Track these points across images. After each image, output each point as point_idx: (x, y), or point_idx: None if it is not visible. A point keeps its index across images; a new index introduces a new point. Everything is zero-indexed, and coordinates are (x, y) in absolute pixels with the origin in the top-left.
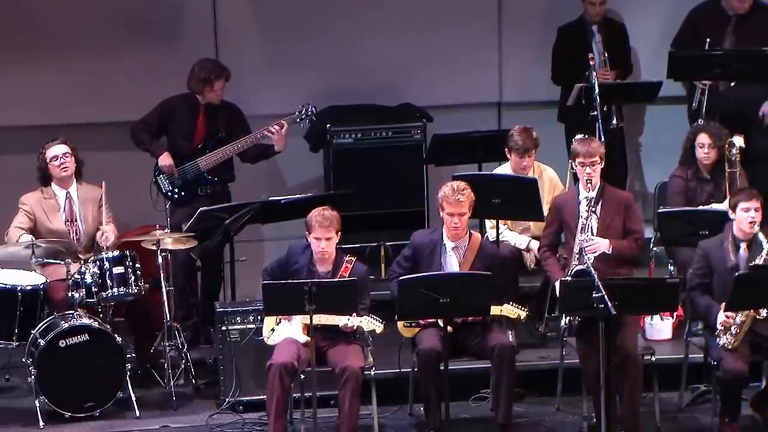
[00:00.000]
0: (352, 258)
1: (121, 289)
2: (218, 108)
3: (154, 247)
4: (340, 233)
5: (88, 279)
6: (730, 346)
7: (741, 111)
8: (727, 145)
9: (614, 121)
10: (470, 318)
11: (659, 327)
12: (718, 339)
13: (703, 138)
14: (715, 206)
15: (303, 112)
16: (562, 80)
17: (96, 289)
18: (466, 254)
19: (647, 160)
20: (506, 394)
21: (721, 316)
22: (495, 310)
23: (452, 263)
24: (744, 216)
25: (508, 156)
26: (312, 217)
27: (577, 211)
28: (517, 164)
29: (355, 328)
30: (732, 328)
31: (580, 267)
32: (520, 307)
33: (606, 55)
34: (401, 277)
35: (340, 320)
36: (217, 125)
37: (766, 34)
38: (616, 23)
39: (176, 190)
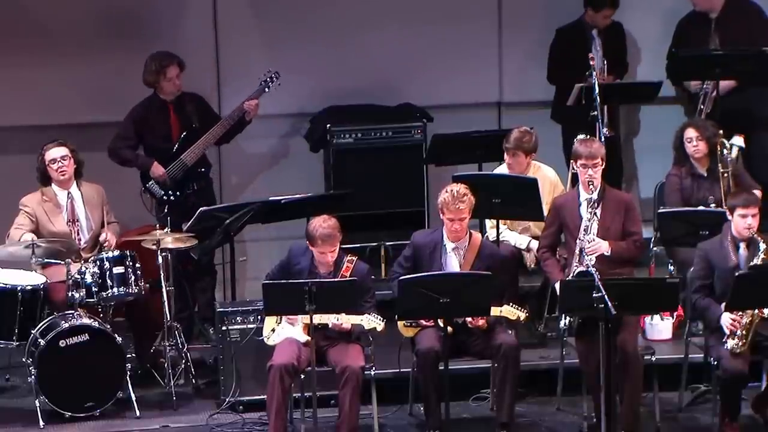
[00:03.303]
0: (353, 258)
1: (121, 288)
2: (184, 101)
3: (154, 247)
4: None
5: (89, 279)
6: (738, 350)
7: (741, 111)
8: (719, 146)
9: (604, 131)
10: (470, 320)
11: (659, 327)
12: (725, 344)
13: (690, 132)
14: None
15: (267, 80)
16: (556, 80)
17: (96, 289)
18: (467, 254)
19: (646, 161)
20: (510, 393)
21: (727, 320)
22: (495, 311)
23: (453, 263)
24: (741, 222)
25: None
26: (315, 233)
27: (577, 213)
28: (509, 164)
29: (343, 326)
30: (739, 331)
31: (582, 269)
32: (519, 308)
33: (605, 62)
34: (401, 277)
35: (329, 318)
36: (189, 118)
37: (746, 28)
38: (614, 24)
39: (169, 192)
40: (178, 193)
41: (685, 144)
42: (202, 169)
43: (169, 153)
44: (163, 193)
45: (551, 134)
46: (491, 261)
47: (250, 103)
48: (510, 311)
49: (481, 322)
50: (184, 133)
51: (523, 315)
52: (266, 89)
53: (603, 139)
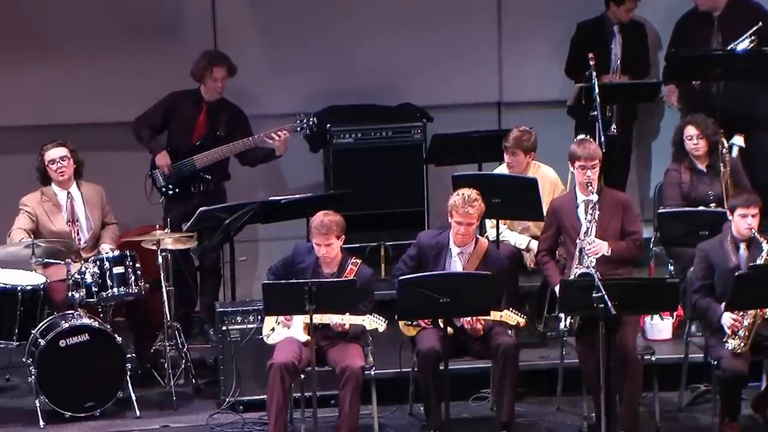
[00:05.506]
0: (358, 260)
1: (121, 288)
2: (221, 107)
3: (154, 247)
4: (343, 237)
5: (89, 279)
6: (739, 350)
7: (741, 111)
8: (720, 145)
9: (613, 128)
10: (467, 321)
11: (659, 327)
12: (726, 344)
13: (690, 130)
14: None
15: (304, 122)
16: (575, 75)
17: (96, 289)
18: (471, 259)
19: (647, 161)
20: (510, 392)
21: (728, 320)
22: (495, 315)
23: (456, 267)
24: (741, 222)
25: None
26: (312, 223)
27: (575, 215)
28: (509, 163)
29: (346, 327)
30: (740, 331)
31: (582, 270)
32: (519, 313)
33: (620, 62)
34: (401, 277)
35: (331, 318)
36: (217, 124)
37: (750, 26)
38: (636, 24)
39: (170, 185)
40: (177, 190)
41: (685, 141)
42: (208, 176)
43: (184, 148)
44: (164, 183)
45: (552, 134)
46: (495, 268)
47: (279, 138)
48: (510, 316)
49: (478, 326)
50: (205, 136)
51: (522, 320)
52: (298, 129)
53: (603, 139)
